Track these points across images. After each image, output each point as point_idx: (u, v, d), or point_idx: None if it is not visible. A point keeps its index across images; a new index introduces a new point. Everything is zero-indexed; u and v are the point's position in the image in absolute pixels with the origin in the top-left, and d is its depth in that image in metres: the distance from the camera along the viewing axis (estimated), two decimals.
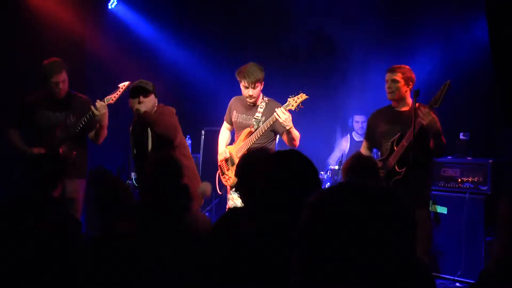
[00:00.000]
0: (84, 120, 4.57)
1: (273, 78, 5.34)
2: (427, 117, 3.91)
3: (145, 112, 4.35)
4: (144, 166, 3.51)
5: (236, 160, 4.66)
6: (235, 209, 3.82)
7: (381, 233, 1.08)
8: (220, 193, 5.08)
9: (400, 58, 5.90)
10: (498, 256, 1.82)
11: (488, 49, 4.34)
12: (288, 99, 4.49)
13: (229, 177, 4.73)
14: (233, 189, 4.61)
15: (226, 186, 4.85)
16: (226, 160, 4.79)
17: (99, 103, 4.47)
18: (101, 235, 3.03)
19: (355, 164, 3.39)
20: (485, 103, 5.62)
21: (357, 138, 6.51)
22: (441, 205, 5.08)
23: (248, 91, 4.58)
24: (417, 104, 4.18)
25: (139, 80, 4.45)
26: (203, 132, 6.54)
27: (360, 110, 6.50)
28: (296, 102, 4.46)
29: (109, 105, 4.53)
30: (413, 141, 3.92)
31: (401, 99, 4.26)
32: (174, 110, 4.56)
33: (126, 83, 4.56)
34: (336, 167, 5.94)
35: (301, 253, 1.11)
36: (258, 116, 4.64)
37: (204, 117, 6.71)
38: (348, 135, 6.62)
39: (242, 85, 4.61)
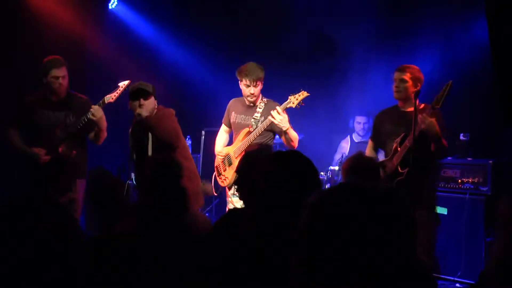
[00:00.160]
0: (83, 120, 4.57)
1: (273, 78, 5.34)
2: (425, 121, 3.91)
3: (146, 117, 4.33)
4: (144, 168, 3.51)
5: (234, 161, 4.66)
6: (235, 209, 3.81)
7: (381, 233, 1.08)
8: (215, 194, 5.07)
9: (400, 58, 5.89)
10: (498, 256, 1.82)
11: (488, 49, 4.34)
12: (289, 96, 4.49)
13: (226, 177, 4.73)
14: (232, 192, 4.60)
15: (224, 190, 4.85)
16: (223, 160, 4.79)
17: (94, 108, 4.45)
18: (101, 235, 3.03)
19: (355, 164, 3.38)
20: (485, 103, 5.61)
21: (357, 139, 6.50)
22: (441, 205, 5.07)
23: (250, 89, 4.58)
24: (422, 105, 4.18)
25: (138, 82, 4.43)
26: (203, 132, 6.53)
27: (360, 110, 6.50)
28: (297, 99, 4.45)
29: (109, 104, 4.52)
30: (413, 143, 3.92)
31: (408, 99, 4.24)
32: (173, 112, 4.56)
33: (126, 82, 4.56)
34: (336, 168, 5.93)
35: (301, 253, 1.11)
36: (257, 116, 4.64)
37: (204, 118, 6.70)
38: (348, 136, 6.61)
39: (243, 84, 4.61)
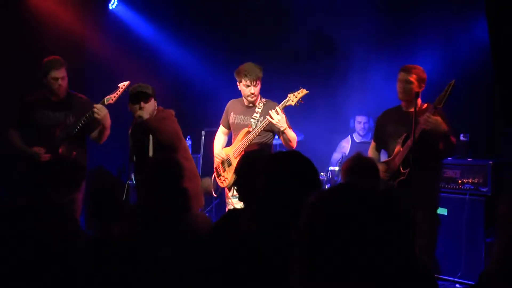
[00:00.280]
0: (83, 120, 4.57)
1: (273, 78, 5.34)
2: (429, 120, 3.90)
3: (147, 119, 4.33)
4: (145, 168, 3.50)
5: (233, 161, 4.66)
6: (235, 210, 3.81)
7: (381, 233, 1.08)
8: (215, 195, 5.06)
9: (400, 58, 5.89)
10: (498, 256, 1.82)
11: (488, 49, 4.33)
12: (288, 95, 4.48)
13: (225, 178, 4.72)
14: (231, 193, 4.59)
15: (223, 190, 4.84)
16: (222, 161, 4.78)
17: (97, 106, 4.45)
18: (101, 235, 3.03)
19: (354, 164, 3.38)
20: (486, 103, 5.61)
21: (358, 139, 6.50)
22: (441, 206, 5.06)
23: (250, 89, 4.58)
24: (425, 105, 4.18)
25: (138, 84, 4.40)
26: (203, 132, 6.53)
27: (361, 110, 6.50)
28: (296, 97, 4.45)
29: (109, 105, 4.52)
30: (413, 143, 3.92)
31: (412, 100, 4.22)
32: (173, 113, 4.55)
33: (126, 83, 4.56)
34: (336, 168, 5.93)
35: (301, 253, 1.11)
36: (256, 116, 4.63)
37: (204, 118, 6.70)
38: (349, 136, 6.60)
39: (243, 84, 4.61)
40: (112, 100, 4.52)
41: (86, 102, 4.74)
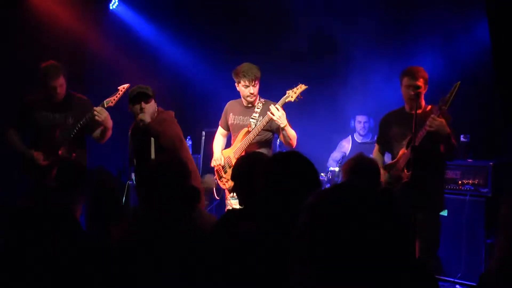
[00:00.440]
0: (83, 121, 4.57)
1: (273, 78, 5.33)
2: (435, 122, 3.89)
3: (149, 124, 4.32)
4: (151, 168, 3.48)
5: (234, 163, 4.64)
6: (234, 210, 3.80)
7: (381, 233, 1.08)
8: (217, 198, 5.05)
9: (400, 58, 5.89)
10: (498, 257, 1.82)
11: (489, 50, 4.34)
12: (287, 91, 4.47)
13: (227, 180, 4.71)
14: (231, 195, 4.58)
15: (224, 192, 4.84)
16: (223, 165, 4.78)
17: (97, 109, 4.44)
18: (100, 235, 3.03)
19: (355, 165, 3.38)
20: (486, 104, 5.61)
21: (358, 139, 6.49)
22: None
23: (249, 89, 4.57)
24: (429, 106, 4.17)
25: (137, 85, 4.39)
26: (203, 133, 6.52)
27: (361, 111, 6.49)
28: (295, 93, 4.43)
29: (108, 108, 4.51)
30: (415, 145, 3.90)
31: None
32: (173, 114, 4.55)
33: (126, 86, 4.55)
34: (337, 169, 5.91)
35: (301, 253, 1.11)
36: (255, 116, 4.62)
37: (204, 118, 6.70)
38: (350, 136, 6.59)
39: (241, 85, 4.60)
40: (111, 103, 4.51)
41: (86, 102, 4.74)
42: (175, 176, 2.99)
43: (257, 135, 4.56)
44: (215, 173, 4.86)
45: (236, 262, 1.95)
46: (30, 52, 5.86)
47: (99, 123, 4.56)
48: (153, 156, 4.37)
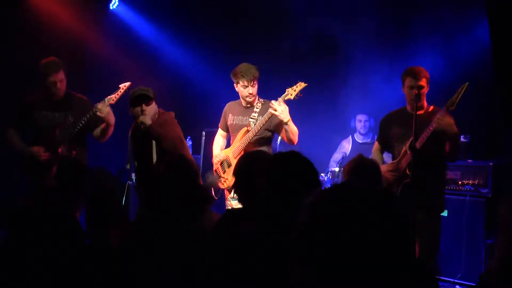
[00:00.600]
0: (83, 120, 4.57)
1: (273, 78, 5.33)
2: (444, 120, 3.88)
3: (150, 127, 4.31)
4: (150, 175, 3.46)
5: (232, 162, 4.63)
6: (233, 210, 3.80)
7: (381, 233, 1.08)
8: (216, 198, 5.04)
9: (400, 58, 5.89)
10: (498, 257, 1.82)
11: (489, 50, 4.33)
12: (287, 89, 4.45)
13: (225, 179, 4.71)
14: (231, 195, 4.57)
15: (224, 192, 4.83)
16: (222, 163, 4.76)
17: (99, 105, 4.44)
18: (101, 235, 3.03)
19: (356, 165, 3.38)
20: (486, 104, 5.60)
21: (359, 139, 6.48)
22: None
23: (248, 89, 4.56)
24: (431, 107, 4.17)
25: (138, 87, 4.39)
26: (203, 133, 6.52)
27: (361, 111, 6.49)
28: (295, 91, 4.42)
29: (109, 105, 4.51)
30: (415, 145, 3.90)
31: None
32: (173, 115, 4.54)
33: (127, 84, 4.55)
34: (337, 169, 5.90)
35: (301, 253, 1.11)
36: (254, 116, 4.62)
37: (204, 118, 6.70)
38: (350, 136, 6.59)
39: (240, 85, 4.59)
40: (113, 100, 4.52)
41: (86, 102, 4.74)
42: (187, 176, 2.97)
43: (256, 134, 4.55)
44: (214, 172, 4.85)
45: (236, 262, 1.95)
46: (30, 52, 5.86)
47: (100, 121, 4.56)
48: (154, 158, 4.37)
